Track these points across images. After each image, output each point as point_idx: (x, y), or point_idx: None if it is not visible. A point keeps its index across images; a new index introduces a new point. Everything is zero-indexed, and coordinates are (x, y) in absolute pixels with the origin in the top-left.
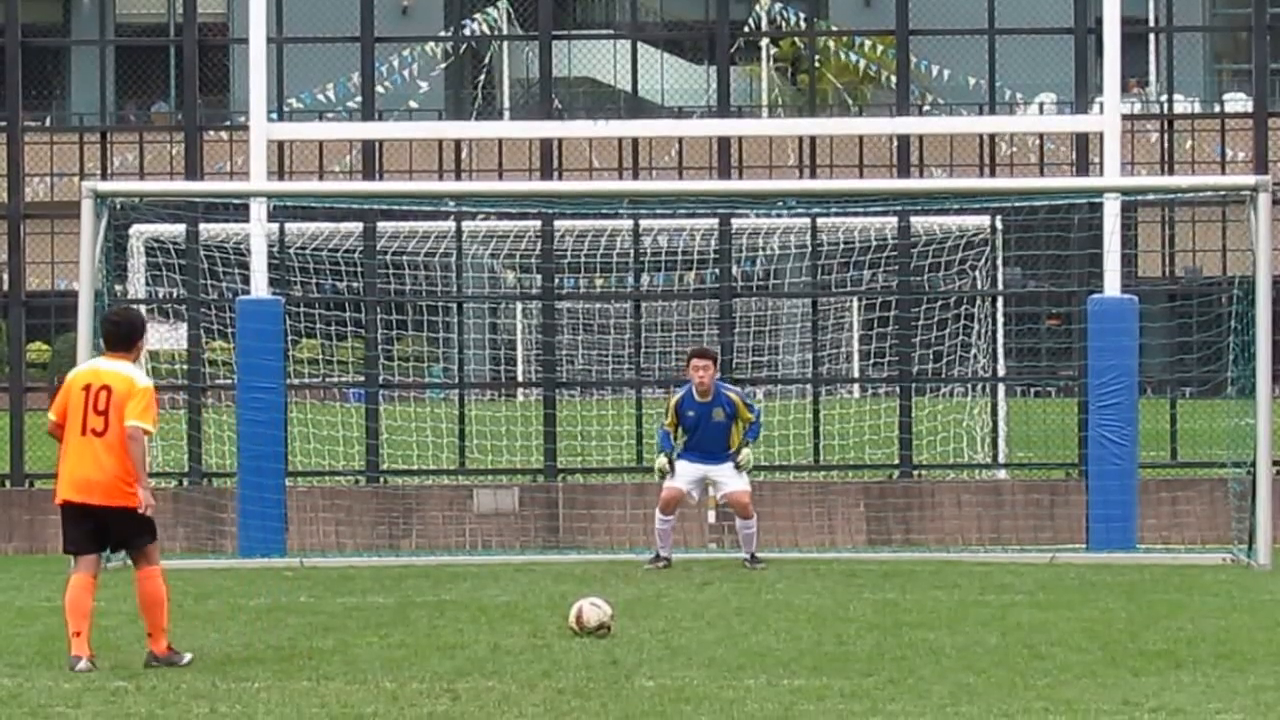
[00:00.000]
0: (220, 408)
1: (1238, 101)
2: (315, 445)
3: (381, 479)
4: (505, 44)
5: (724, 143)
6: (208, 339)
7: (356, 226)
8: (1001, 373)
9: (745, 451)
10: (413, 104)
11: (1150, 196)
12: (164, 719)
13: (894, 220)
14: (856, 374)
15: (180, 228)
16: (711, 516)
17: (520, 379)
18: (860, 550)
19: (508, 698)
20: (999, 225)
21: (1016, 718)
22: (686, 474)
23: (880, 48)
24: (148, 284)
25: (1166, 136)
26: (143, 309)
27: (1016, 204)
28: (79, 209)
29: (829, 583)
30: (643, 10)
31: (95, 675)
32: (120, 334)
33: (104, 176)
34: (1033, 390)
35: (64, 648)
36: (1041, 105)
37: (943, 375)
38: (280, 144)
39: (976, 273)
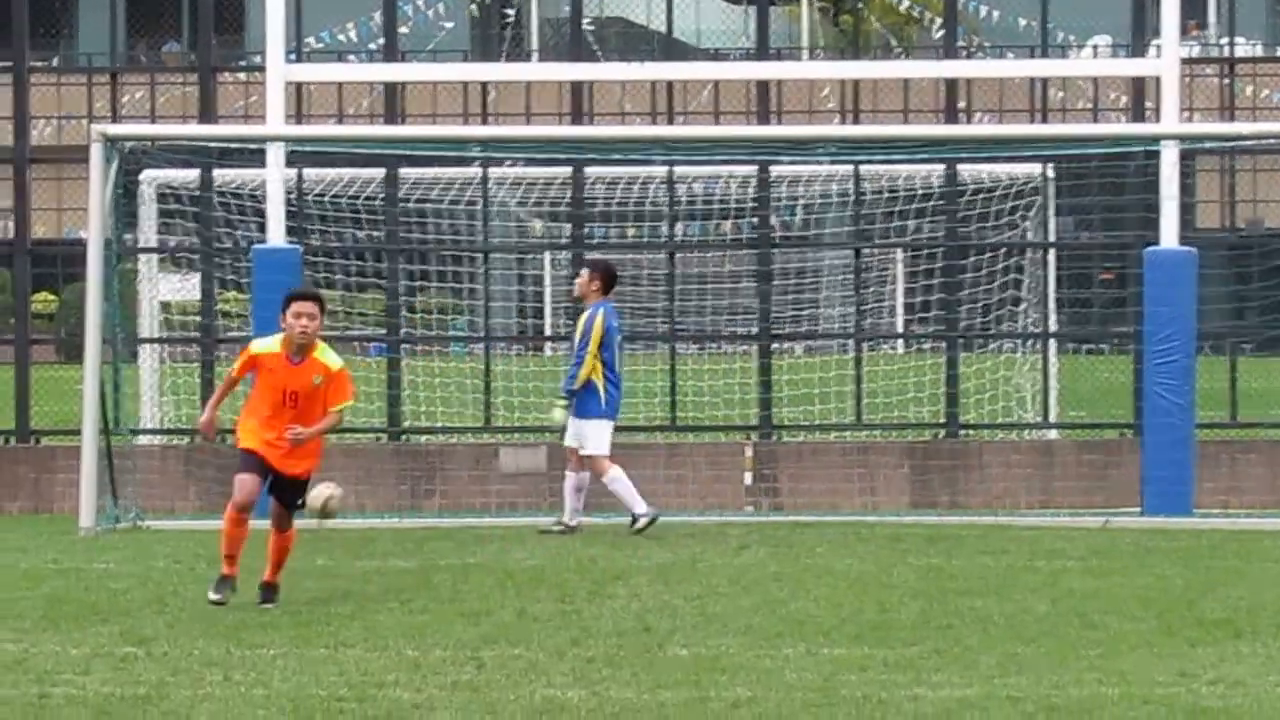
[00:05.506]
0: (234, 361)
1: None
2: None
3: (403, 437)
4: None
5: (763, 86)
6: (221, 290)
7: (378, 173)
8: (1053, 328)
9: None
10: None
11: (1210, 144)
12: (175, 686)
13: (940, 168)
14: (900, 329)
15: (193, 173)
16: (748, 479)
17: (548, 332)
18: (904, 513)
19: (535, 666)
20: (1050, 174)
21: (1068, 689)
22: None
23: None
24: (159, 232)
25: (1227, 81)
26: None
27: (1069, 152)
28: (87, 153)
29: (871, 547)
30: None
31: (105, 640)
32: None
33: (114, 119)
34: (1085, 347)
35: (73, 611)
36: (1096, 48)
37: (991, 330)
38: (298, 86)
39: (1027, 224)
